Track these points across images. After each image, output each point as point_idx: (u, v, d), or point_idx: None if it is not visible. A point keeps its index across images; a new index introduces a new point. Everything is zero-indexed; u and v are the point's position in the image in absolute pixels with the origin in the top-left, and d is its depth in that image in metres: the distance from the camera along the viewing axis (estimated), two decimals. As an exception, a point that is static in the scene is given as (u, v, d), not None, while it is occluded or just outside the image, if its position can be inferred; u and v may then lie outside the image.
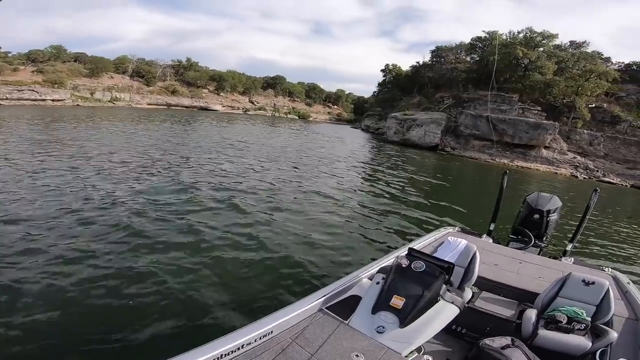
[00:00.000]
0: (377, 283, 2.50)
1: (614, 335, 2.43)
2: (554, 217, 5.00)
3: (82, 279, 4.30)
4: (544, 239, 4.99)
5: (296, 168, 14.03)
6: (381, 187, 12.67)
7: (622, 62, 39.31)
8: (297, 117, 69.86)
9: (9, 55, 42.80)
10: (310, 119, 71.59)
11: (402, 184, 13.74)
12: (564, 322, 2.51)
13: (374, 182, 13.66)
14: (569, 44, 41.32)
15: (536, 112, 33.34)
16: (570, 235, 5.10)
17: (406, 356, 2.10)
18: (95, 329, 3.47)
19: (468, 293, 2.99)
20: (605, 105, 33.91)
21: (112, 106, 46.82)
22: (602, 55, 39.68)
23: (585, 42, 40.67)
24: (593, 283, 2.75)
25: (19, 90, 39.42)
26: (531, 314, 2.65)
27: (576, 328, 2.49)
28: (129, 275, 4.48)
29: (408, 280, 2.40)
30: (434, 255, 3.12)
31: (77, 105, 43.36)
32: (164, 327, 3.62)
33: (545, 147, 31.52)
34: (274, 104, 72.37)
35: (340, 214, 8.42)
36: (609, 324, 2.65)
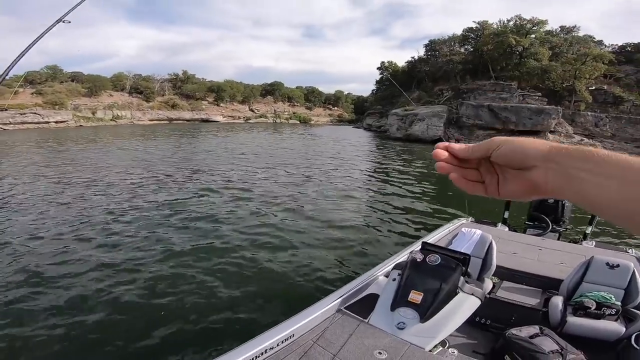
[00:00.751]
0: (394, 280, 2.48)
1: None
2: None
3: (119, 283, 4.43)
4: (562, 223, 4.86)
5: (305, 171, 14.04)
6: (390, 183, 12.60)
7: (616, 44, 39.63)
8: (298, 122, 70.07)
9: (7, 77, 43.65)
10: (312, 122, 71.77)
11: (410, 179, 13.65)
12: (593, 308, 2.42)
13: (382, 179, 13.60)
14: (559, 29, 41.35)
15: (537, 97, 33.31)
16: (589, 218, 4.98)
17: (430, 350, 2.05)
18: (118, 334, 3.45)
19: (488, 284, 2.91)
20: (605, 87, 33.88)
21: (114, 124, 47.43)
22: (594, 38, 39.84)
23: (575, 26, 40.68)
24: (617, 266, 2.66)
25: (21, 114, 40.10)
26: (557, 301, 2.56)
27: (607, 313, 2.40)
28: (148, 284, 4.48)
29: (424, 274, 2.37)
30: (449, 247, 3.07)
31: (80, 125, 43.98)
32: (187, 332, 3.60)
33: (551, 132, 31.28)
34: (275, 111, 72.71)
35: (353, 213, 8.42)
36: None
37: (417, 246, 3.17)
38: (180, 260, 5.35)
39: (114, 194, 9.44)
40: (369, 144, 31.99)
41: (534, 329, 2.09)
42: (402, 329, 2.15)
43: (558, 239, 4.62)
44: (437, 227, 4.59)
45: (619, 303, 2.51)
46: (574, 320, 2.41)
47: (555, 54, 36.69)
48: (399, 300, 2.31)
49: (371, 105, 59.14)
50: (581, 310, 2.44)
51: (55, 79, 51.88)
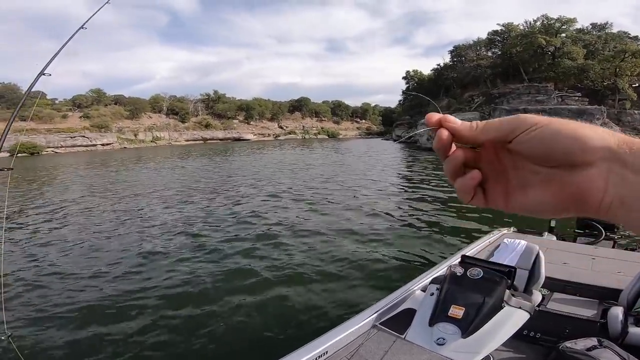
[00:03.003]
0: (432, 294, 2.39)
1: None
2: None
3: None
4: (616, 230, 4.49)
5: (339, 187, 14.07)
6: (425, 195, 12.29)
7: None
8: (327, 137, 70.80)
9: (56, 102, 46.91)
10: (340, 136, 72.21)
11: (446, 190, 13.26)
12: None
13: (417, 191, 13.31)
14: (590, 26, 39.71)
15: (577, 98, 31.71)
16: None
17: None
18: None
19: (537, 296, 2.73)
20: None
21: (154, 146, 50.38)
22: (629, 34, 37.76)
23: (607, 23, 38.94)
24: None
25: (71, 137, 43.68)
26: (617, 311, 2.35)
27: None
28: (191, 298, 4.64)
29: (465, 288, 2.26)
30: (491, 260, 2.94)
31: (124, 147, 47.14)
32: (222, 351, 3.65)
33: (596, 134, 29.44)
34: (303, 126, 74.03)
35: (387, 226, 8.28)
36: None
37: (456, 259, 3.05)
38: (221, 274, 5.50)
39: (174, 210, 10.06)
40: (399, 156, 31.57)
41: (592, 341, 1.92)
42: (441, 344, 2.05)
43: (613, 247, 4.28)
44: (476, 238, 4.40)
45: None
46: (636, 331, 2.19)
47: (590, 52, 35.23)
48: (438, 315, 2.20)
49: (399, 116, 58.69)
50: None
51: (100, 102, 56.23)
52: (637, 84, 31.76)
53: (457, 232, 7.86)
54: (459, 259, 2.62)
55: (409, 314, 2.43)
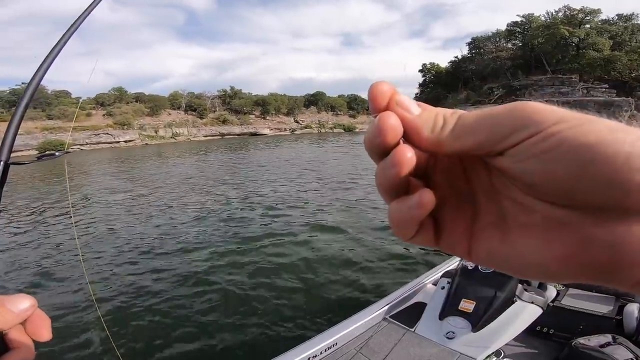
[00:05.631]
0: (442, 288, 2.40)
1: None
2: None
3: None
4: None
5: (351, 181, 14.06)
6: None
7: None
8: (343, 130, 70.36)
9: (80, 100, 48.70)
10: (357, 130, 71.62)
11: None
12: None
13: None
14: (616, 17, 37.80)
15: (603, 90, 30.46)
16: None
17: None
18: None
19: (551, 291, 2.70)
20: None
21: (174, 142, 51.42)
22: None
23: (633, 14, 36.91)
24: None
25: (95, 135, 45.17)
26: (633, 308, 2.32)
27: None
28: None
29: (476, 282, 2.26)
30: None
31: (146, 144, 48.34)
32: (231, 341, 3.78)
33: (624, 126, 28.14)
34: (319, 121, 73.78)
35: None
36: None
37: None
38: (237, 267, 5.69)
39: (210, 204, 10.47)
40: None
41: (605, 338, 1.91)
42: (451, 338, 2.07)
43: None
44: None
45: None
46: None
47: (616, 44, 34.07)
48: (449, 309, 2.22)
49: (416, 109, 57.59)
50: None
51: (122, 100, 57.63)
52: (668, 75, 30.20)
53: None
54: None
55: (420, 307, 2.47)
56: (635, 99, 28.60)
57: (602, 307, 2.58)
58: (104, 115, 51.76)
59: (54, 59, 0.86)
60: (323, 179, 14.52)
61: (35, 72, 0.82)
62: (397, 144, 0.20)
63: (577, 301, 2.70)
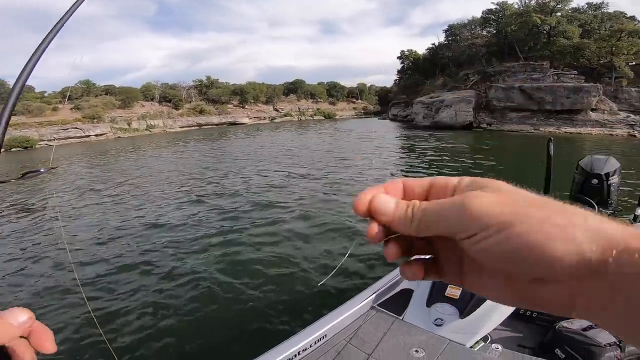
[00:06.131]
0: None
1: None
2: (614, 180, 4.48)
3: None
4: (609, 205, 4.51)
5: (332, 167, 14.04)
6: (421, 172, 12.33)
7: None
8: (323, 118, 70.06)
9: (45, 94, 45.39)
10: (337, 117, 71.50)
11: (442, 167, 13.27)
12: None
13: (414, 170, 13.32)
14: (586, 6, 38.96)
15: (573, 76, 31.43)
16: (638, 198, 4.61)
17: (471, 347, 1.98)
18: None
19: None
20: None
21: (149, 134, 49.65)
22: (626, 14, 37.09)
23: (603, 2, 38.09)
24: None
25: (64, 129, 42.93)
26: None
27: None
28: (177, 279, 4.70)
29: None
30: None
31: (118, 137, 46.43)
32: (216, 340, 3.73)
33: (593, 110, 29.37)
34: (299, 108, 73.04)
35: None
36: None
37: None
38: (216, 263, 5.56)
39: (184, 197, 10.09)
40: (396, 134, 31.37)
41: (587, 321, 1.97)
42: (439, 325, 2.09)
43: None
44: None
45: None
46: None
47: (586, 32, 35.05)
48: (436, 295, 2.23)
49: (395, 96, 58.02)
50: None
51: (90, 93, 54.72)
52: (633, 63, 31.61)
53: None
54: None
55: (407, 294, 2.47)
56: (603, 85, 29.78)
57: None
58: (71, 109, 49.15)
59: (37, 61, 0.79)
60: (305, 166, 14.45)
61: (18, 78, 0.74)
62: (379, 231, 0.30)
63: None
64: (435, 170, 12.97)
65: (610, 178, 4.44)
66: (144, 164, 18.62)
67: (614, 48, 31.12)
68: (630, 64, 31.24)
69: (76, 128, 44.15)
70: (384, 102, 69.31)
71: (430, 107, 35.61)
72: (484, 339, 2.11)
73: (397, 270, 2.82)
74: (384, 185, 0.31)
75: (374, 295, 2.43)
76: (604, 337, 1.83)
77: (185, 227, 7.26)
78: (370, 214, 0.30)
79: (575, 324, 1.98)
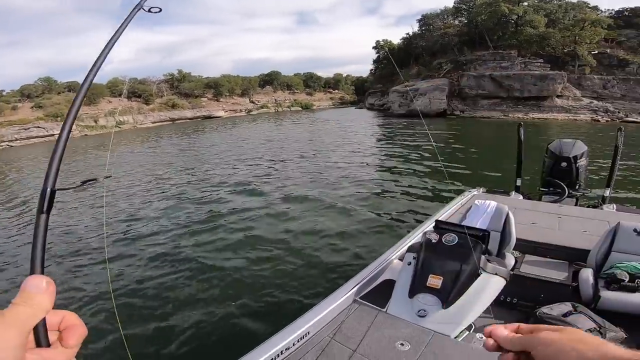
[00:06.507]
0: (409, 264, 2.35)
1: None
2: (582, 162, 4.64)
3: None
4: (578, 187, 4.65)
5: (309, 156, 13.96)
6: (397, 162, 12.43)
7: (612, 9, 38.73)
8: (300, 109, 69.48)
9: (4, 93, 42.19)
10: (314, 107, 71.09)
11: (417, 155, 13.44)
12: (627, 280, 2.26)
13: (389, 158, 13.43)
14: None
15: (539, 64, 32.67)
16: (606, 180, 4.79)
17: (456, 337, 1.96)
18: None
19: (510, 259, 2.78)
20: (608, 50, 33.21)
21: (118, 130, 47.47)
22: (589, 4, 38.74)
23: None
24: None
25: (25, 129, 40.29)
26: (587, 274, 2.43)
27: None
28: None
29: (441, 256, 2.22)
30: (464, 223, 2.93)
31: (85, 135, 44.11)
32: (195, 342, 3.59)
33: (558, 97, 30.72)
34: (275, 100, 71.99)
35: (363, 194, 8.35)
36: None
37: (430, 225, 3.03)
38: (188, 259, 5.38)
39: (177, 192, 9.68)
40: (373, 123, 31.59)
41: (567, 307, 1.99)
42: (423, 316, 2.06)
43: (576, 205, 4.46)
44: (448, 201, 4.45)
45: None
46: (608, 295, 2.27)
47: (551, 21, 36.25)
48: (417, 286, 2.18)
49: (371, 85, 58.26)
50: (614, 283, 2.29)
51: (52, 90, 51.41)
52: (596, 51, 32.93)
53: (431, 195, 8.05)
54: (434, 225, 2.58)
55: (389, 285, 2.42)
56: (567, 73, 31.11)
57: (558, 274, 2.71)
58: (32, 107, 46.11)
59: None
60: (280, 156, 14.28)
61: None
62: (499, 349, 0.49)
63: (535, 268, 2.83)
64: (416, 156, 13.11)
65: (578, 161, 4.59)
66: (114, 160, 17.85)
67: (577, 37, 32.36)
68: (592, 52, 32.52)
69: (38, 127, 41.56)
70: (360, 92, 69.44)
71: (405, 95, 36.01)
72: (468, 327, 2.09)
73: (377, 260, 2.77)
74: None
75: (355, 288, 2.37)
76: (583, 322, 1.85)
77: (164, 221, 7.17)
78: (491, 335, 0.49)
79: (555, 310, 2.00)
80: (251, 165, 13.30)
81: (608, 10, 38.73)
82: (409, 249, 2.50)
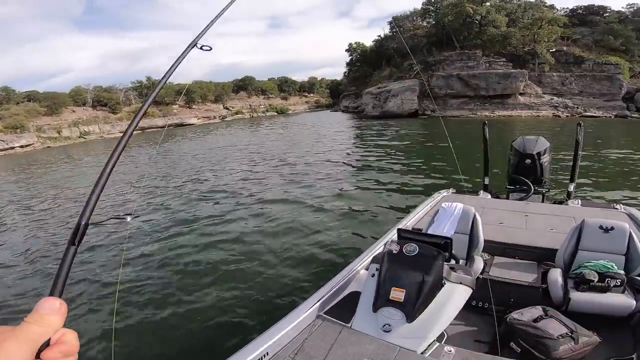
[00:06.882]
0: (373, 275, 2.26)
1: None
2: (546, 158, 4.75)
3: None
4: (543, 183, 4.75)
5: (281, 160, 13.74)
6: (371, 162, 12.51)
7: (567, 8, 41.68)
8: (275, 113, 69.02)
9: None
10: (290, 112, 70.85)
11: (390, 156, 13.55)
12: (596, 280, 2.23)
13: (363, 159, 13.46)
14: None
15: (502, 63, 34.24)
16: (569, 175, 4.92)
17: (423, 352, 1.86)
18: None
19: (479, 263, 2.72)
20: (565, 48, 35.17)
21: (84, 141, 45.30)
22: (546, 3, 41.10)
23: None
24: (612, 229, 2.48)
25: (-18, 143, 37.69)
26: (556, 275, 2.39)
27: (612, 285, 2.22)
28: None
29: (403, 267, 2.13)
30: (430, 229, 2.88)
31: (48, 147, 41.74)
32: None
33: (521, 94, 32.18)
34: (250, 105, 71.19)
35: (336, 197, 8.27)
36: None
37: (393, 234, 2.95)
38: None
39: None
40: (347, 125, 31.78)
41: (537, 311, 1.94)
42: (388, 331, 1.96)
43: (542, 201, 4.54)
44: (417, 205, 4.41)
45: (622, 272, 2.34)
46: (578, 297, 2.23)
47: (512, 20, 37.96)
48: (380, 299, 2.08)
49: (345, 88, 58.76)
50: (584, 284, 2.27)
51: (10, 100, 48.24)
52: (554, 49, 34.78)
53: (406, 196, 8.06)
54: (396, 234, 2.51)
55: (354, 297, 2.31)
56: (528, 70, 32.77)
57: (527, 276, 2.67)
58: (-12, 120, 43.14)
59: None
60: (255, 161, 14.01)
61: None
62: None
63: (504, 271, 2.78)
64: (388, 158, 13.20)
65: (542, 157, 4.68)
66: (80, 171, 17.02)
67: (536, 36, 34.15)
68: (550, 50, 34.40)
69: (-4, 140, 38.94)
70: (335, 95, 69.93)
71: (378, 97, 36.55)
72: (439, 338, 2.00)
73: (343, 272, 2.65)
74: None
75: (319, 303, 2.26)
76: (555, 327, 1.80)
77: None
78: None
79: (526, 315, 1.95)
80: (225, 172, 12.97)
81: (563, 8, 41.52)
82: (373, 260, 2.40)
